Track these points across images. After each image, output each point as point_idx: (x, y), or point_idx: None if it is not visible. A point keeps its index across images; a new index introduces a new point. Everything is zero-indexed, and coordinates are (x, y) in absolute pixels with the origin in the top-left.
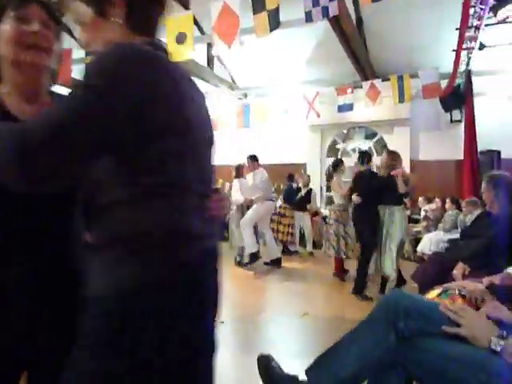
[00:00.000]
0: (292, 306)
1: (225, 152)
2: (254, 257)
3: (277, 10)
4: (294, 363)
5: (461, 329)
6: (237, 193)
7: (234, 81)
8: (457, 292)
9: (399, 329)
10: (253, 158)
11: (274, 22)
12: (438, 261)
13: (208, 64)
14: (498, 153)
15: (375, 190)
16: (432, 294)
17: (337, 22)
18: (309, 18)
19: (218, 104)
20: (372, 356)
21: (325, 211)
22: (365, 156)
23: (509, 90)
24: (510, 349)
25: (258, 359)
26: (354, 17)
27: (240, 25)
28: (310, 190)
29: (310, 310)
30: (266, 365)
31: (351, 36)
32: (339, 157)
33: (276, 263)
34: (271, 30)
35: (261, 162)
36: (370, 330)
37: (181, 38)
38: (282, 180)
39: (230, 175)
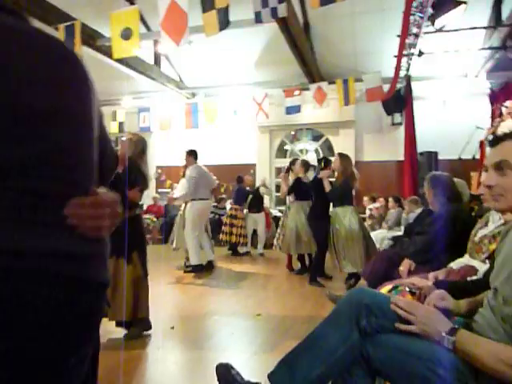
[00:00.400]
0: (245, 308)
1: (174, 153)
2: (199, 268)
3: (226, 9)
4: (249, 364)
5: (413, 326)
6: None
7: (181, 80)
8: (407, 289)
9: (361, 326)
10: (189, 153)
11: (224, 21)
12: (386, 257)
13: (155, 62)
14: (436, 154)
15: (331, 192)
16: (383, 291)
17: (285, 25)
18: (258, 18)
19: (165, 103)
20: (337, 355)
21: (274, 211)
22: (325, 161)
23: (444, 94)
24: (459, 344)
25: (217, 368)
26: (301, 21)
27: (189, 23)
28: (258, 189)
29: (262, 311)
30: (226, 374)
31: (299, 39)
32: (287, 157)
33: (208, 267)
34: (221, 30)
35: (210, 162)
36: (333, 329)
37: (126, 34)
38: (232, 181)
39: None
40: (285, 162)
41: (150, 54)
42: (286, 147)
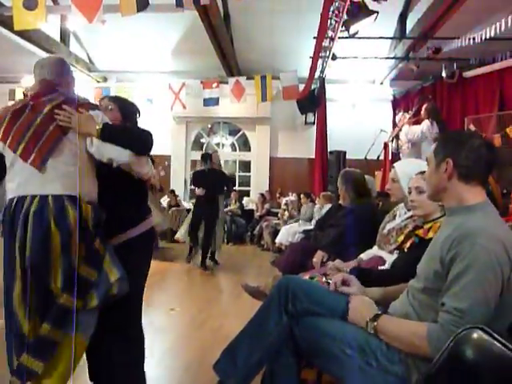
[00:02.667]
0: (157, 303)
1: None
2: None
3: None
4: (164, 360)
5: None
6: None
7: (92, 62)
8: (323, 279)
9: (289, 310)
10: None
11: (143, 2)
12: (299, 249)
13: (62, 40)
14: (344, 153)
15: (213, 183)
16: None
17: (206, 14)
18: (179, 3)
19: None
20: (271, 338)
21: (188, 204)
22: (207, 157)
23: (353, 98)
24: (380, 328)
25: None
26: (222, 13)
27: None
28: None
29: (176, 305)
30: None
31: (219, 30)
32: (203, 150)
33: None
34: (139, 11)
35: None
36: (266, 316)
37: (30, 4)
38: None
39: None
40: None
41: (56, 31)
42: (202, 140)
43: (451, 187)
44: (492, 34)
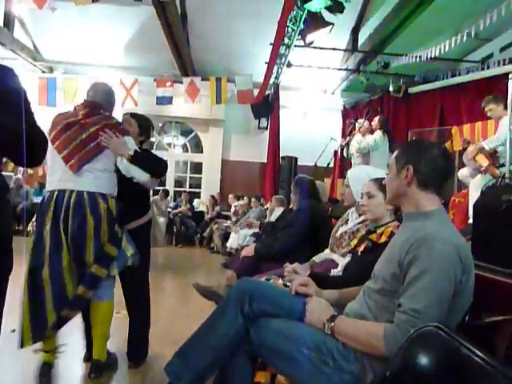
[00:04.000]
0: None
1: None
2: None
3: None
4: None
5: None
6: None
7: (38, 51)
8: (279, 281)
9: (245, 311)
10: None
11: None
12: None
13: (5, 25)
14: (296, 159)
15: None
16: None
17: (163, 11)
18: None
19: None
20: (225, 341)
21: None
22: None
23: (305, 106)
24: (337, 329)
25: None
26: (180, 11)
27: None
28: None
29: (121, 308)
30: None
31: (175, 28)
32: (153, 150)
33: None
34: (94, 1)
35: None
36: (222, 317)
37: None
38: None
39: None
40: None
41: None
42: (152, 139)
43: (410, 193)
44: (436, 54)
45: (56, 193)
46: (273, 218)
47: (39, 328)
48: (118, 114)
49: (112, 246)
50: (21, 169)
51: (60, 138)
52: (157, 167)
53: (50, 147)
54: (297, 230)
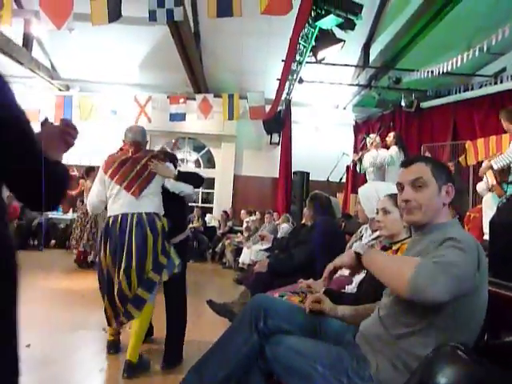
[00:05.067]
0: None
1: None
2: None
3: (119, 0)
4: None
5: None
6: None
7: (55, 69)
8: (294, 298)
9: (260, 328)
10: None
11: (115, 13)
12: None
13: (23, 44)
14: (308, 174)
15: None
16: None
17: (177, 30)
18: (152, 17)
19: (34, 93)
20: (239, 356)
21: None
22: None
23: (317, 121)
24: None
25: None
26: (192, 30)
27: (74, 8)
28: None
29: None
30: None
31: (189, 47)
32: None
33: None
34: (110, 21)
35: (83, 162)
36: (236, 333)
37: None
38: None
39: None
40: None
41: (18, 35)
42: None
43: (443, 209)
44: (448, 69)
45: (120, 216)
46: (280, 233)
47: (117, 316)
48: None
49: (164, 257)
50: None
51: (118, 173)
52: (196, 180)
53: (108, 181)
54: (312, 246)
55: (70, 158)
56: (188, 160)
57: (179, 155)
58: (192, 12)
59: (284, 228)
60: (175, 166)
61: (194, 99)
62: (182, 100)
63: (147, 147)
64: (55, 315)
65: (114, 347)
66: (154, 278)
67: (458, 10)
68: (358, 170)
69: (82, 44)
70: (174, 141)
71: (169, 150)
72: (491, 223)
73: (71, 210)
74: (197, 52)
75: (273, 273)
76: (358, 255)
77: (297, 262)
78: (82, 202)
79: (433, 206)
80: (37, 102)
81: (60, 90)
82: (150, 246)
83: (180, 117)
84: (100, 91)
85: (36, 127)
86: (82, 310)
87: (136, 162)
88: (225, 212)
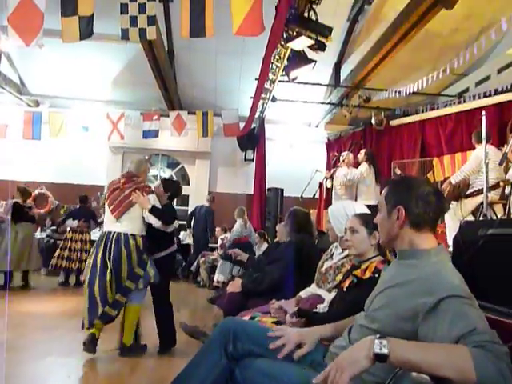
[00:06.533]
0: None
1: (5, 164)
2: None
3: (90, 18)
4: None
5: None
6: None
7: (23, 84)
8: (265, 319)
9: (229, 352)
10: None
11: (87, 31)
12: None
13: None
14: (282, 191)
15: None
16: None
17: (151, 48)
18: (125, 35)
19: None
20: (210, 380)
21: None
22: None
23: (291, 138)
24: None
25: None
26: (166, 48)
27: (44, 24)
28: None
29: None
30: None
31: (163, 65)
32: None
33: None
34: (82, 39)
35: (51, 179)
36: (205, 358)
37: None
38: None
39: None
40: None
41: None
42: None
43: (404, 234)
44: (415, 89)
45: (106, 233)
46: (260, 250)
47: (92, 317)
48: (104, 147)
49: (140, 269)
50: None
51: (109, 197)
52: (166, 218)
53: (106, 203)
54: (285, 264)
55: (39, 176)
56: (162, 177)
57: (152, 172)
58: (166, 30)
59: (263, 247)
60: (175, 193)
61: (168, 116)
62: (155, 117)
63: (148, 169)
64: (22, 341)
65: (90, 342)
66: (130, 285)
67: (423, 33)
68: (328, 186)
69: (53, 59)
70: (147, 157)
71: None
72: (454, 241)
73: (39, 228)
74: (171, 69)
75: (246, 293)
76: (380, 357)
77: (269, 281)
78: (53, 221)
79: (385, 231)
80: (4, 118)
81: (29, 105)
82: (123, 259)
83: (153, 134)
84: (71, 107)
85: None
86: (46, 336)
87: (123, 190)
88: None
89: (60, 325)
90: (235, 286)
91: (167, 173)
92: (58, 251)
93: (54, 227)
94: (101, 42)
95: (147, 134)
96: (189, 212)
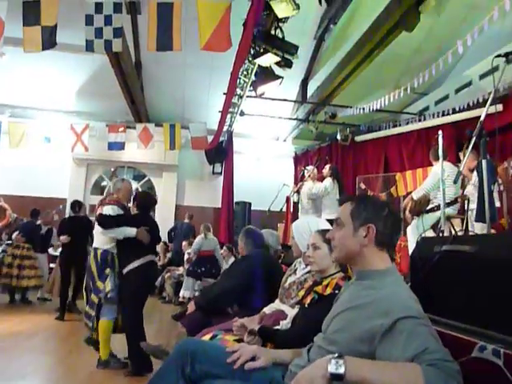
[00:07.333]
0: (8, 371)
1: None
2: None
3: (54, 28)
4: None
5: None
6: None
7: None
8: (227, 337)
9: (187, 373)
10: None
11: (50, 41)
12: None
13: None
14: (249, 204)
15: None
16: (205, 339)
17: (117, 59)
18: (90, 47)
19: None
20: None
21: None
22: (75, 205)
23: (259, 152)
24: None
25: None
26: (134, 59)
27: (5, 32)
28: (51, 229)
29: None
30: None
31: (129, 76)
32: (104, 195)
33: None
34: (44, 49)
35: (10, 191)
36: (163, 379)
37: None
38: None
39: None
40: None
41: None
42: (103, 183)
43: (365, 252)
44: (378, 106)
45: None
46: (226, 266)
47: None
48: (67, 159)
49: (100, 282)
50: None
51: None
52: (101, 223)
53: None
54: (234, 277)
55: None
56: None
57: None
58: (134, 41)
59: (230, 262)
60: (141, 205)
61: (134, 128)
62: (121, 129)
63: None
64: None
65: (90, 342)
66: (94, 299)
67: (385, 53)
68: (295, 200)
69: (15, 68)
70: (112, 169)
71: (107, 178)
72: (411, 257)
73: None
74: (138, 81)
75: (202, 309)
76: (336, 377)
77: (216, 294)
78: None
79: (347, 247)
80: None
81: None
82: (87, 273)
83: (119, 145)
84: (33, 117)
85: None
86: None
87: (98, 205)
88: (164, 243)
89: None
90: (191, 306)
91: (133, 185)
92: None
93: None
94: (65, 52)
95: (113, 146)
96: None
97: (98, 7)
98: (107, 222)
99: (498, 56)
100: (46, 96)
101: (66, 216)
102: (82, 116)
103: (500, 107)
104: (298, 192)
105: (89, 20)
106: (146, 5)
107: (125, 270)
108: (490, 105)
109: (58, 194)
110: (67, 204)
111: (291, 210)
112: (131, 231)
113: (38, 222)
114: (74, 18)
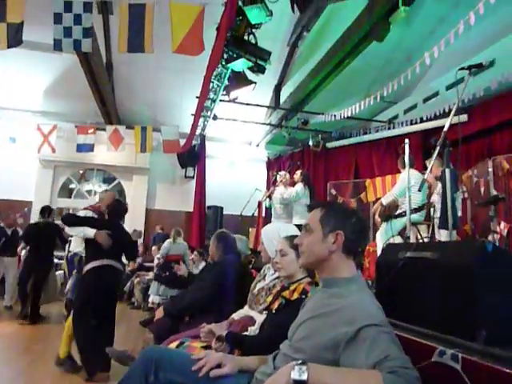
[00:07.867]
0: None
1: None
2: None
3: (20, 25)
4: None
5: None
6: None
7: None
8: (195, 344)
9: (150, 382)
10: None
11: (15, 38)
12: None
13: None
14: (222, 209)
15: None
16: (171, 346)
17: (86, 60)
18: (58, 46)
19: None
20: None
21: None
22: (46, 210)
23: (231, 156)
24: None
25: None
26: (104, 60)
27: None
28: (16, 231)
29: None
30: None
31: (100, 77)
32: (72, 198)
33: None
34: (10, 47)
35: None
36: None
37: None
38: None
39: None
40: (68, 202)
41: None
42: (71, 186)
43: (334, 258)
44: (349, 114)
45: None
46: (196, 271)
47: None
48: (34, 160)
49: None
50: None
51: None
52: (63, 219)
53: None
54: (208, 285)
55: None
56: (96, 192)
57: (87, 187)
58: (105, 42)
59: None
60: (113, 211)
61: (105, 130)
62: (90, 130)
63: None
64: None
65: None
66: None
67: (357, 62)
68: (266, 205)
69: None
70: (81, 172)
71: (75, 181)
72: (377, 263)
73: None
74: (109, 83)
75: (171, 315)
76: (299, 383)
77: (189, 302)
78: None
79: (315, 253)
80: None
81: None
82: (65, 273)
83: (88, 148)
84: None
85: None
86: None
87: None
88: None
89: None
90: (159, 312)
91: (102, 188)
92: None
93: None
94: (32, 50)
95: (81, 148)
96: None
97: (67, 6)
98: (68, 220)
99: (462, 69)
100: (11, 95)
101: (32, 221)
102: (50, 116)
103: (465, 117)
104: (269, 197)
105: (57, 18)
106: (118, 5)
107: (83, 271)
108: (454, 115)
109: (23, 197)
110: (32, 207)
111: (263, 214)
112: (90, 232)
113: (1, 225)
114: (43, 15)
